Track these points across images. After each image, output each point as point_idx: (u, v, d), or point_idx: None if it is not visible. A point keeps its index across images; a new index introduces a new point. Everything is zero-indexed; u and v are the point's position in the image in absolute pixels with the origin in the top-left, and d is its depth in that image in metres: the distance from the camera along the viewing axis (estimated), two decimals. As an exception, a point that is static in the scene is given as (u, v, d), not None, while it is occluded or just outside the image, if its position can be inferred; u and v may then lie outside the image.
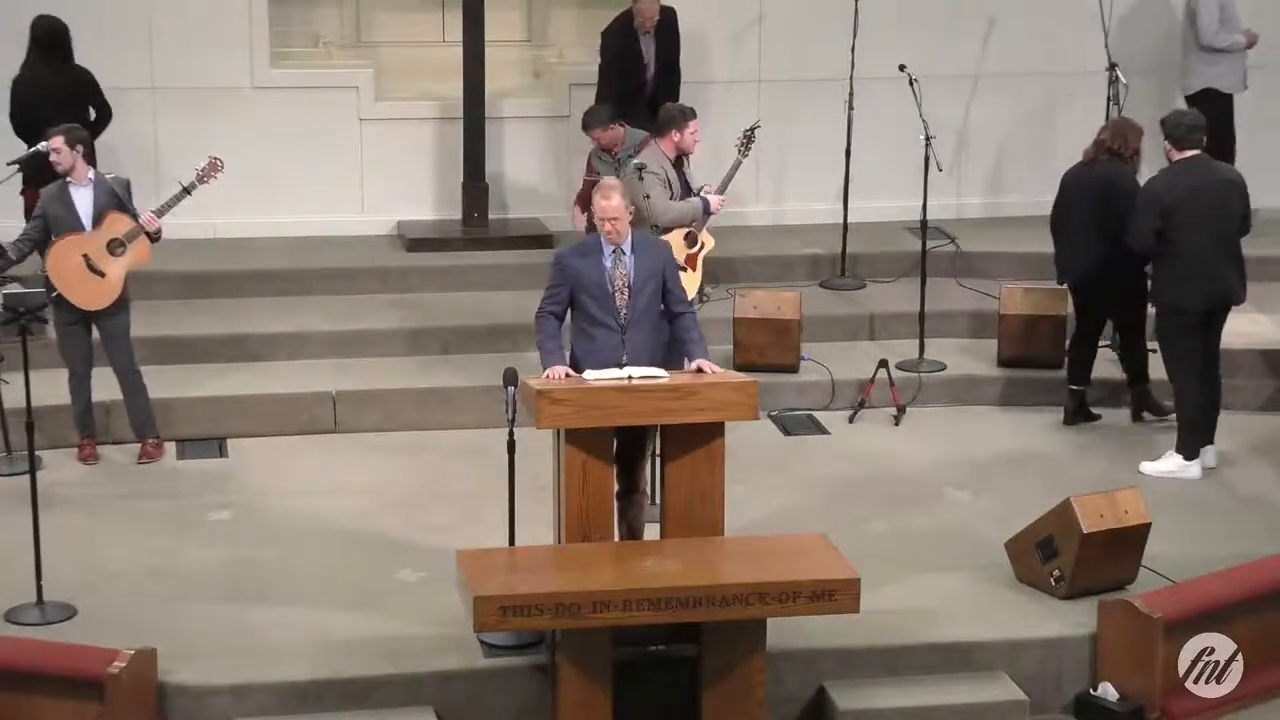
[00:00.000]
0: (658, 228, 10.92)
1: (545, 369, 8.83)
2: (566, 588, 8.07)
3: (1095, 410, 11.84)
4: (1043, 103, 14.52)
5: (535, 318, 9.05)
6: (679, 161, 11.28)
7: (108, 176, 10.90)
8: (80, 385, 10.96)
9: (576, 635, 8.22)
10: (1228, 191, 10.89)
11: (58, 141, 10.66)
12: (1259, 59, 14.01)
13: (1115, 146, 11.46)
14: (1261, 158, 13.72)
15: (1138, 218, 10.82)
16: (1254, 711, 9.04)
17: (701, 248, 11.29)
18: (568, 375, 8.73)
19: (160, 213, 10.79)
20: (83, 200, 10.75)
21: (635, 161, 11.22)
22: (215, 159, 11.00)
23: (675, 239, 10.99)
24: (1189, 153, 10.82)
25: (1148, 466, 10.98)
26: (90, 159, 11.01)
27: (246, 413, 11.48)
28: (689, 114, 11.23)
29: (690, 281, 11.03)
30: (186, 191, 10.92)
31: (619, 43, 13.38)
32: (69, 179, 10.72)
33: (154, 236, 10.80)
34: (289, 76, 13.84)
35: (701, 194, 11.27)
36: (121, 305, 10.86)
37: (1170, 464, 10.97)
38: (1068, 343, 11.97)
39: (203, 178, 10.96)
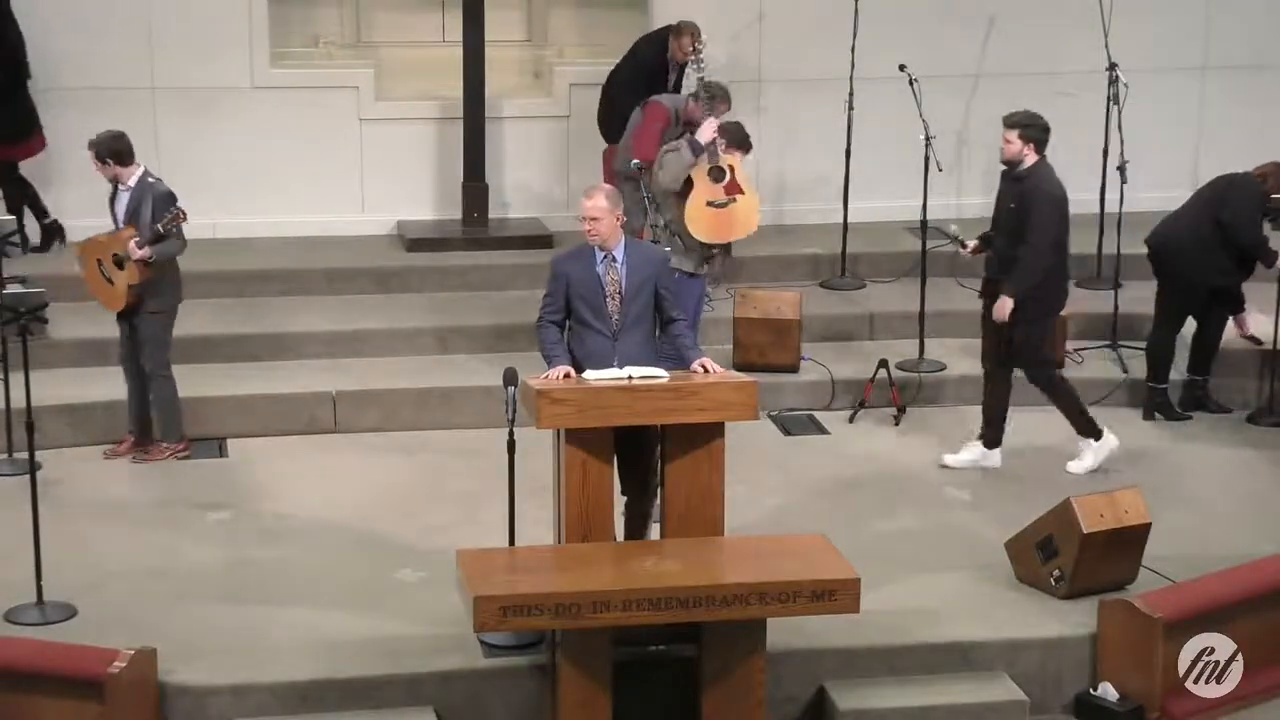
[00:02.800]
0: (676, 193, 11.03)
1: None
2: (566, 588, 8.07)
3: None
4: (1043, 103, 14.46)
5: (535, 327, 9.05)
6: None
7: (150, 181, 10.77)
8: (127, 381, 10.97)
9: (576, 635, 8.21)
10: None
11: (91, 155, 10.73)
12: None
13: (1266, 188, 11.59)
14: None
15: (1049, 224, 10.58)
16: (1254, 711, 9.04)
17: (731, 171, 11.12)
18: (567, 375, 8.73)
19: (141, 245, 10.57)
20: (120, 204, 10.81)
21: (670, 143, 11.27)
22: (179, 210, 10.60)
23: (700, 177, 11.00)
24: (1044, 156, 10.76)
25: (950, 459, 11.00)
26: (122, 158, 10.76)
27: (246, 413, 11.48)
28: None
29: (748, 205, 11.07)
30: (157, 233, 10.60)
31: (657, 59, 13.25)
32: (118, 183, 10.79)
33: (146, 261, 10.73)
34: (289, 76, 13.84)
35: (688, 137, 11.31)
36: (145, 309, 10.80)
37: (974, 453, 10.97)
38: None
39: (166, 227, 10.59)
